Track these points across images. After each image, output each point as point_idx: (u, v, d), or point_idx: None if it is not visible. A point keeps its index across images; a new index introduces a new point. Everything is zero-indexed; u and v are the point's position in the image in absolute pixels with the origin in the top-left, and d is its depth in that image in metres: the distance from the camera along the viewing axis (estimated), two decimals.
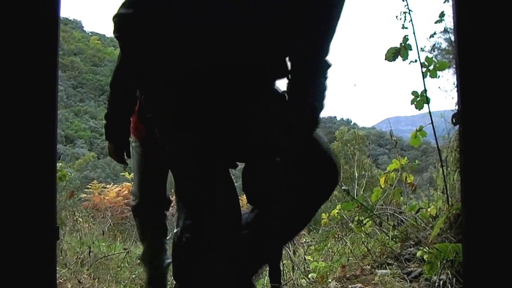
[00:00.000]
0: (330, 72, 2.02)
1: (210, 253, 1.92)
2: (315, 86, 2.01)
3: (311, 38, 1.98)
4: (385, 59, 3.43)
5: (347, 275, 3.39)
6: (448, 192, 3.42)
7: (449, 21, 3.59)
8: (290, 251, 3.73)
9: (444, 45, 4.62)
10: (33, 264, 1.66)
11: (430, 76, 3.35)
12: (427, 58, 3.37)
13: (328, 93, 2.01)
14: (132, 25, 1.83)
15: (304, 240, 4.83)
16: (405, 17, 3.49)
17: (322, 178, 2.07)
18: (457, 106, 1.74)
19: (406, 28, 3.47)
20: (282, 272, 3.49)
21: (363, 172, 7.01)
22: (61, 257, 3.87)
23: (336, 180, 2.12)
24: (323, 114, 2.12)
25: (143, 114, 2.47)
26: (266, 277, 3.01)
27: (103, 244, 4.88)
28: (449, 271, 2.94)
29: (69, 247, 4.33)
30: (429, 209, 3.86)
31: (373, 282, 3.36)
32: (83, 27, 34.05)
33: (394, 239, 3.95)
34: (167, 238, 3.03)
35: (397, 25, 3.53)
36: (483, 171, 1.60)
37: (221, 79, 1.89)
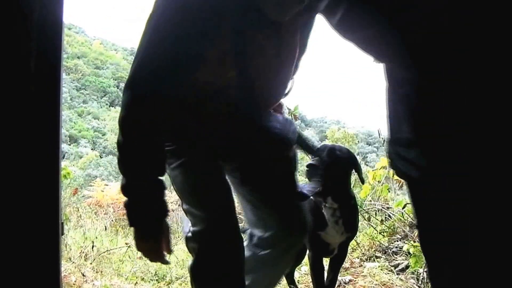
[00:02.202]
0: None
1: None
2: None
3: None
4: (373, 61, 3.42)
5: None
6: None
7: None
8: None
9: None
10: (39, 258, 1.66)
11: None
12: None
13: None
14: None
15: None
16: None
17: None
18: None
19: None
20: None
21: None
22: (65, 251, 3.86)
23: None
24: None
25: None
26: None
27: (106, 239, 4.86)
28: None
29: (73, 241, 4.31)
30: None
31: (362, 274, 3.37)
32: (86, 31, 33.88)
33: (382, 233, 3.97)
34: None
35: None
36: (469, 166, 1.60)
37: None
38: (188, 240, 1.86)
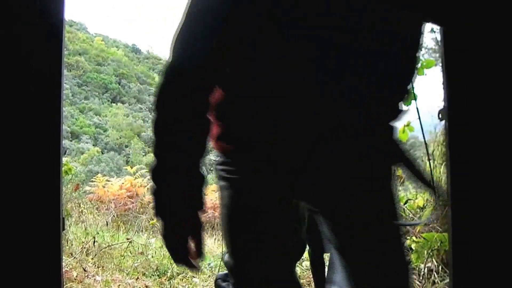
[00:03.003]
0: None
1: None
2: None
3: None
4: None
5: None
6: (434, 184, 3.45)
7: None
8: None
9: (430, 44, 4.63)
10: (40, 253, 1.65)
11: (417, 74, 3.36)
12: None
13: None
14: None
15: None
16: None
17: None
18: (443, 102, 1.74)
19: None
20: None
21: None
22: (67, 247, 3.87)
23: None
24: None
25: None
26: None
27: (107, 234, 4.88)
28: (435, 260, 2.95)
29: (75, 237, 4.33)
30: (416, 201, 3.88)
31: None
32: (87, 28, 33.85)
33: None
34: None
35: None
36: (468, 164, 1.61)
37: None
38: None
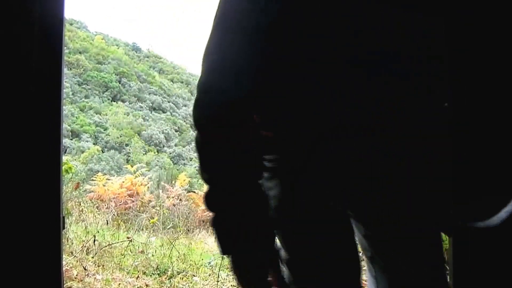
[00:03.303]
0: None
1: None
2: None
3: None
4: None
5: None
6: None
7: None
8: None
9: None
10: (40, 252, 1.66)
11: None
12: None
13: None
14: None
15: None
16: None
17: None
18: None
19: None
20: None
21: None
22: (67, 246, 3.87)
23: None
24: None
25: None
26: None
27: (107, 233, 4.88)
28: None
29: (75, 236, 4.33)
30: None
31: (364, 268, 3.37)
32: (87, 26, 33.82)
33: None
34: None
35: None
36: (469, 163, 1.61)
37: None
38: None
